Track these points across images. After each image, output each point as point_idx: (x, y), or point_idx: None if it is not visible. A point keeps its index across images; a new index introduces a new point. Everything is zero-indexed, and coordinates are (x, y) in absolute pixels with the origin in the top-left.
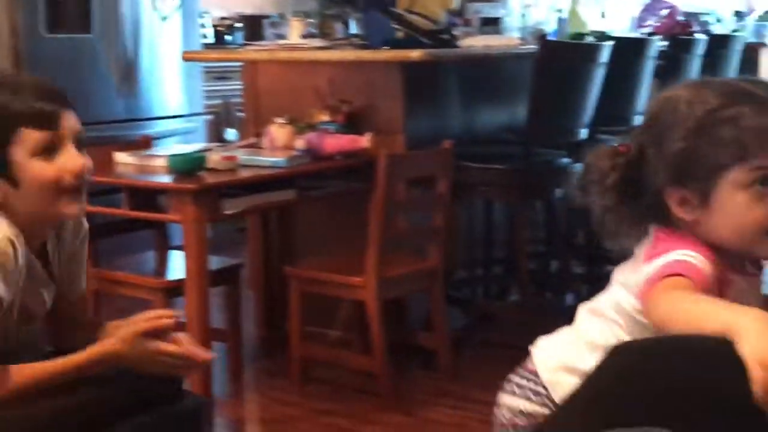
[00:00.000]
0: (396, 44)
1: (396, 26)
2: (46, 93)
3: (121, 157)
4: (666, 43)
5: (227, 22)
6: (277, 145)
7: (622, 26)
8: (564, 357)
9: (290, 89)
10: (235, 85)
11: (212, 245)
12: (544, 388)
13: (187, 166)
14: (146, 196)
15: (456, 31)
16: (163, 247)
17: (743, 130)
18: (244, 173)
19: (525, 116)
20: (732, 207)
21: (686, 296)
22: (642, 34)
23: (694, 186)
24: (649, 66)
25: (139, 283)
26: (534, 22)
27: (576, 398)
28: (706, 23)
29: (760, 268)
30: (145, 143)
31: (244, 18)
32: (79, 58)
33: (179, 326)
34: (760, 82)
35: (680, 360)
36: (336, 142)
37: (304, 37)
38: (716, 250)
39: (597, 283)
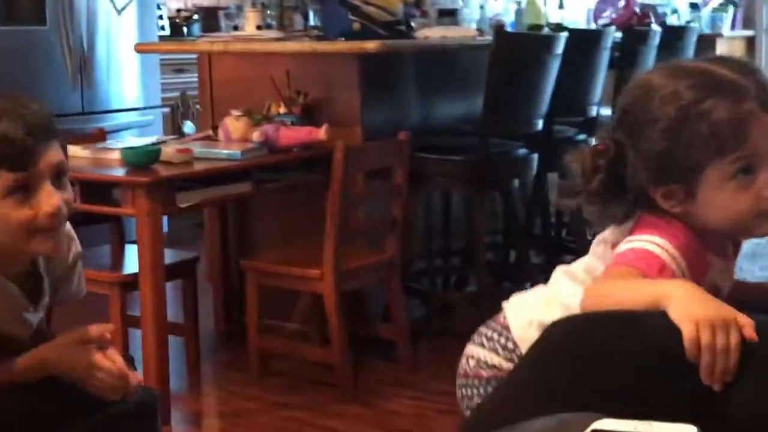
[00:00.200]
0: (352, 35)
1: (353, 17)
2: (25, 125)
3: (75, 151)
4: (621, 34)
5: (184, 14)
6: (233, 138)
7: (580, 18)
8: (537, 314)
9: (246, 81)
10: (193, 77)
11: (170, 239)
12: (514, 343)
13: (141, 159)
14: (101, 190)
15: (413, 23)
16: (119, 241)
17: (717, 125)
18: (199, 166)
19: (482, 107)
20: (718, 199)
21: (617, 281)
22: (599, 25)
23: (678, 183)
24: (604, 57)
25: (94, 278)
26: (492, 13)
27: (515, 375)
28: (662, 14)
29: (737, 250)
30: (99, 136)
31: (201, 10)
32: (33, 51)
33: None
34: (732, 63)
35: (616, 332)
36: (292, 134)
37: (260, 28)
38: (702, 234)
39: None
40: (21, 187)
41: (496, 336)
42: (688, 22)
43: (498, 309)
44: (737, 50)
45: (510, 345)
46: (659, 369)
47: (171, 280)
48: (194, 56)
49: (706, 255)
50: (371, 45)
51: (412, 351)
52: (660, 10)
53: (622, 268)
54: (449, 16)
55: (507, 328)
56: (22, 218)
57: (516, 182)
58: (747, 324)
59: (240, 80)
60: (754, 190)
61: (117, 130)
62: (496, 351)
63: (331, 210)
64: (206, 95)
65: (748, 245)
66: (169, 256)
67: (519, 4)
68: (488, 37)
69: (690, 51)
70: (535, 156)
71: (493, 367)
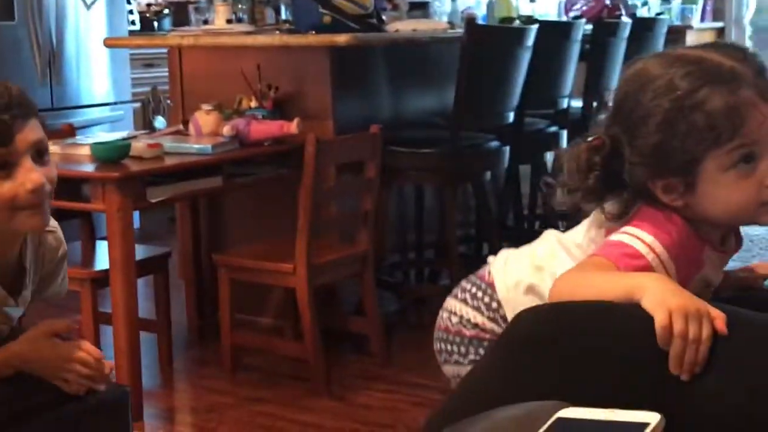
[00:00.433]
0: (323, 29)
1: (323, 11)
2: (1, 102)
3: None
4: (591, 26)
5: (155, 8)
6: (204, 132)
7: (551, 10)
8: (525, 277)
9: (217, 75)
10: (164, 72)
11: (142, 234)
12: (498, 303)
13: (111, 155)
14: (71, 186)
15: (384, 16)
16: (90, 237)
17: (713, 115)
18: (170, 161)
19: (453, 100)
20: (719, 191)
21: (590, 273)
22: (570, 17)
23: (676, 177)
24: (575, 49)
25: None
26: (464, 6)
27: (482, 365)
28: (632, 6)
29: (738, 245)
30: (68, 132)
31: (171, 4)
32: (1, 46)
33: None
34: (729, 49)
35: (585, 323)
36: (263, 128)
37: (231, 22)
38: (702, 227)
39: None
40: (1, 164)
41: (480, 294)
42: (658, 14)
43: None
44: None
45: (494, 305)
46: (628, 359)
47: (142, 275)
48: (165, 51)
49: (703, 251)
50: (342, 38)
51: (385, 344)
52: (630, 2)
53: (600, 260)
54: (420, 9)
55: (492, 286)
56: (4, 195)
57: (488, 175)
58: (719, 317)
59: (211, 74)
60: (755, 180)
61: (87, 126)
62: (479, 310)
63: (303, 204)
64: (177, 90)
65: None
66: (141, 251)
67: None
68: (459, 30)
69: (660, 43)
70: (507, 148)
71: (476, 326)
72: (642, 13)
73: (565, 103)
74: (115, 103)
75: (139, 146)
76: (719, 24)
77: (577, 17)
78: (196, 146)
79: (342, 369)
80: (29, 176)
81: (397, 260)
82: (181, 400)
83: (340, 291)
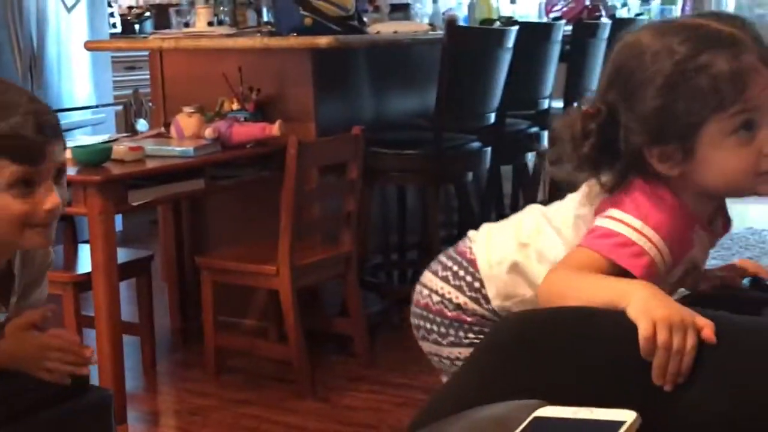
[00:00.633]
0: (304, 31)
1: (305, 13)
2: (37, 121)
3: None
4: (571, 27)
5: (136, 11)
6: (186, 135)
7: (532, 11)
8: (509, 254)
9: (198, 78)
10: (145, 74)
11: (125, 237)
12: (481, 282)
13: (92, 158)
14: None
15: (365, 17)
16: (72, 240)
17: (717, 78)
18: (151, 164)
19: (435, 101)
20: (718, 157)
21: (579, 277)
22: (550, 18)
23: (675, 143)
24: (555, 50)
25: (48, 278)
26: (445, 8)
27: (463, 373)
28: (612, 7)
29: (726, 227)
30: None
31: (152, 6)
32: None
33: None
34: (723, 17)
35: (568, 331)
36: (245, 131)
37: (212, 24)
38: (695, 204)
39: None
40: (25, 180)
41: (461, 272)
42: (638, 14)
43: None
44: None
45: (476, 284)
46: (612, 368)
47: (125, 279)
48: (146, 53)
49: (693, 230)
50: (323, 40)
51: (369, 345)
52: (610, 3)
53: (591, 254)
54: (401, 10)
55: (473, 263)
56: (20, 211)
57: (470, 175)
58: (706, 325)
59: (192, 77)
60: (754, 148)
61: (69, 129)
62: (461, 289)
63: (285, 206)
64: (158, 92)
65: None
66: (123, 254)
67: None
68: (440, 32)
69: None
70: (489, 149)
71: (458, 307)
72: (622, 14)
73: (545, 104)
74: (97, 106)
75: (120, 149)
76: None
77: (557, 18)
78: (178, 149)
79: (326, 370)
80: (49, 197)
81: (380, 261)
82: (165, 403)
83: (324, 292)
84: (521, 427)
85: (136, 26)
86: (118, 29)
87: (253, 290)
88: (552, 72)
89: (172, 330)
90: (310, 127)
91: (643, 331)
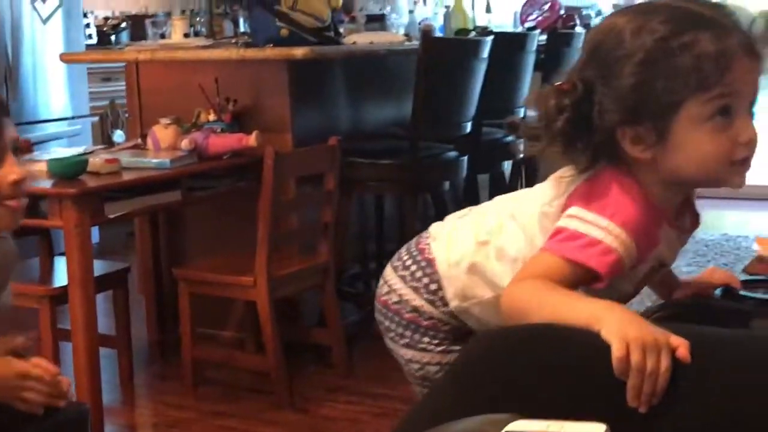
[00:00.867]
0: (280, 42)
1: (281, 24)
2: None
3: None
4: (546, 37)
5: (112, 22)
6: (162, 146)
7: (507, 21)
8: (468, 255)
9: (175, 89)
10: (122, 85)
11: (102, 249)
12: (438, 284)
13: (68, 171)
14: (28, 202)
15: (342, 28)
16: (48, 253)
17: (700, 58)
18: (127, 176)
19: (411, 111)
20: (693, 142)
21: (545, 291)
22: (525, 28)
23: (649, 123)
24: (530, 60)
25: (23, 292)
26: (422, 18)
27: (436, 394)
28: (586, 17)
29: (695, 224)
30: (26, 147)
31: (129, 17)
32: None
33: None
34: (703, 2)
35: (545, 351)
36: (222, 142)
37: (188, 35)
38: (662, 197)
39: None
40: None
41: (419, 273)
42: None
43: None
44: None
45: (433, 287)
46: (586, 389)
47: (102, 291)
48: (123, 64)
49: (660, 226)
50: (299, 51)
51: (347, 355)
52: (584, 12)
53: (556, 260)
54: (378, 21)
55: (431, 262)
56: None
57: (447, 184)
58: (681, 344)
59: (168, 88)
60: (730, 135)
61: (45, 141)
62: (418, 291)
63: (262, 217)
64: (134, 104)
65: None
66: (99, 267)
67: (447, 8)
68: (416, 42)
69: None
70: (465, 158)
71: (415, 309)
72: (596, 22)
73: (521, 113)
74: (73, 118)
75: (96, 162)
76: None
77: (531, 28)
78: (155, 161)
79: (304, 381)
80: (13, 169)
81: (358, 271)
82: (143, 416)
83: (302, 303)
84: None
85: (112, 37)
86: (94, 40)
87: (230, 301)
88: (527, 81)
89: (150, 342)
90: (286, 138)
91: (617, 351)
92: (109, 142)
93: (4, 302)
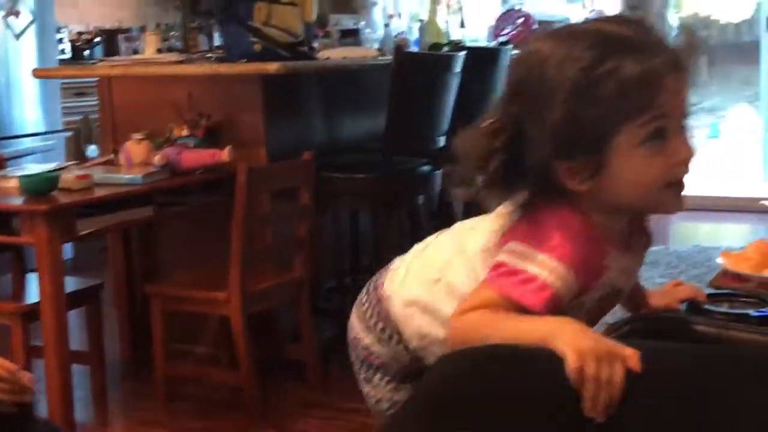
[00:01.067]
0: (254, 57)
1: (254, 39)
2: None
3: None
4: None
5: (86, 36)
6: (135, 162)
7: (481, 34)
8: (420, 295)
9: (148, 104)
10: (96, 100)
11: (75, 265)
12: (392, 330)
13: (39, 187)
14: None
15: (316, 43)
16: (20, 270)
17: (627, 83)
18: (100, 192)
19: (385, 126)
20: (629, 169)
21: (497, 317)
22: (497, 42)
23: (584, 155)
24: (503, 74)
25: None
26: (397, 32)
27: (400, 424)
28: None
29: (647, 242)
30: None
31: (103, 32)
32: None
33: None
34: (625, 20)
35: (506, 372)
36: (195, 157)
37: (161, 51)
38: (605, 224)
39: None
40: None
41: (369, 312)
42: None
43: None
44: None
45: (380, 325)
46: (548, 405)
47: (74, 308)
48: (95, 79)
49: (605, 254)
50: (272, 67)
51: (323, 371)
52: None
53: (491, 295)
54: (352, 36)
55: (382, 301)
56: None
57: (421, 198)
58: (632, 355)
59: (141, 104)
60: (665, 157)
61: (19, 156)
62: (369, 330)
63: (235, 232)
64: (107, 119)
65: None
66: (72, 283)
67: (422, 22)
68: (389, 57)
69: None
70: (439, 172)
71: (366, 348)
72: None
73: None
74: (47, 133)
75: (68, 178)
76: None
77: (505, 42)
78: (127, 176)
79: (279, 397)
80: None
81: (334, 285)
82: None
83: (277, 318)
84: None
85: (86, 52)
86: (68, 55)
87: (204, 317)
88: (500, 95)
89: (123, 358)
90: (260, 153)
91: (571, 363)
92: (82, 157)
93: None
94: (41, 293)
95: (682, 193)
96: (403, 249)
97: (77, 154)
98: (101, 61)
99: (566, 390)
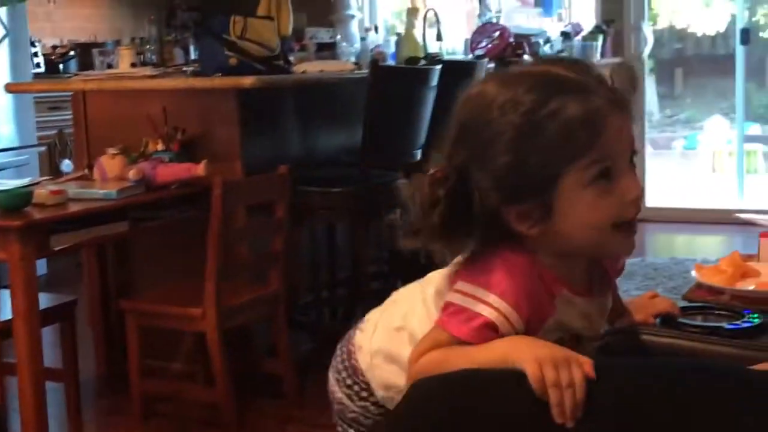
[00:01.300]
0: (229, 71)
1: (229, 53)
2: None
3: None
4: (494, 65)
5: (60, 50)
6: (109, 177)
7: (458, 47)
8: (386, 344)
9: (122, 119)
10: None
11: (50, 281)
12: (361, 385)
13: (12, 203)
14: None
15: (292, 56)
16: None
17: (569, 124)
18: (74, 207)
19: (361, 140)
20: (577, 211)
21: (456, 352)
22: (474, 55)
23: (532, 199)
24: None
25: None
26: (373, 45)
27: None
28: (535, 44)
29: (607, 286)
30: None
31: (77, 46)
32: None
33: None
34: (566, 62)
35: (480, 395)
36: (170, 171)
37: (135, 65)
38: (558, 266)
39: None
40: None
41: (340, 366)
42: (560, 51)
43: None
44: (608, 76)
45: (349, 381)
46: (524, 424)
47: (48, 324)
48: (69, 94)
49: (556, 294)
50: (247, 81)
51: (299, 385)
52: (534, 40)
53: (442, 333)
54: (328, 49)
55: (351, 354)
56: None
57: (398, 211)
58: (585, 362)
59: (116, 118)
60: (613, 197)
61: None
62: (339, 383)
63: (211, 247)
64: (81, 134)
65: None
66: (46, 300)
67: (399, 35)
68: (366, 71)
69: None
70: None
71: (339, 402)
72: (545, 50)
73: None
74: (20, 148)
75: (42, 193)
76: (618, 59)
77: (481, 56)
78: (101, 191)
79: (255, 412)
80: None
81: (311, 299)
82: None
83: (253, 332)
84: None
85: (60, 66)
86: (42, 68)
87: (180, 333)
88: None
89: (98, 375)
90: (236, 167)
91: (531, 373)
92: (56, 172)
93: None
94: (14, 310)
95: (634, 235)
96: (382, 261)
97: (51, 169)
98: (75, 75)
99: (535, 405)
